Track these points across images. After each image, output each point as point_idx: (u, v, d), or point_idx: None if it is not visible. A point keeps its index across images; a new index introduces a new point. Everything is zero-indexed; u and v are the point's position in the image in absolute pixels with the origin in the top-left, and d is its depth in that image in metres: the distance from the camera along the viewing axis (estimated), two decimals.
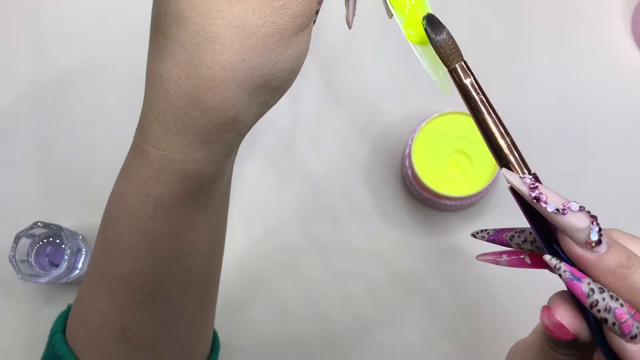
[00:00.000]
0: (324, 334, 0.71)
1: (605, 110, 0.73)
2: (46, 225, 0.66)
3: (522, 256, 0.37)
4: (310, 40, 0.40)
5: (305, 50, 0.40)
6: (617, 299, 0.31)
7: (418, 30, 0.39)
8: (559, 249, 0.33)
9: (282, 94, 0.41)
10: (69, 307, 0.52)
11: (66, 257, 0.66)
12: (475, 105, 0.36)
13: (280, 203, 0.74)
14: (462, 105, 0.63)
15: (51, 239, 0.69)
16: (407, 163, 0.68)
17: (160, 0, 0.38)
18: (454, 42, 0.37)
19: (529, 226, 0.36)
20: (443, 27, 0.38)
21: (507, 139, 0.35)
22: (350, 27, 0.43)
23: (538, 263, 0.35)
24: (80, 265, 0.69)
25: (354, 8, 0.43)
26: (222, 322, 0.68)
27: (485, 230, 0.39)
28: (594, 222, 0.32)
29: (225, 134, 0.40)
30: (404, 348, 0.70)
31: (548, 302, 0.34)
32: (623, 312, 0.31)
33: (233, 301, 0.71)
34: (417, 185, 0.68)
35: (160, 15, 0.38)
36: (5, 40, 0.78)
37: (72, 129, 0.76)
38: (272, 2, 0.37)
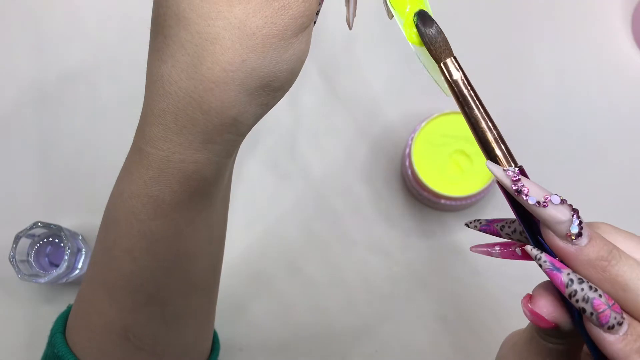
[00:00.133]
0: (324, 334, 0.71)
1: (605, 110, 0.73)
2: (46, 225, 0.66)
3: (513, 248, 0.37)
4: (310, 41, 0.40)
5: (306, 51, 0.40)
6: (595, 290, 0.32)
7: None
8: (543, 241, 0.34)
9: (283, 95, 0.41)
10: (69, 308, 0.52)
11: (66, 257, 0.66)
12: (464, 100, 0.37)
13: (280, 203, 0.74)
14: None
15: (51, 239, 0.69)
16: (407, 163, 0.68)
17: (161, 1, 0.38)
18: (443, 37, 0.38)
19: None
20: (433, 22, 0.38)
21: (495, 132, 0.36)
22: (350, 28, 0.43)
23: (527, 254, 0.35)
24: (80, 265, 0.69)
25: (355, 9, 0.43)
26: (222, 322, 0.68)
27: (478, 220, 0.39)
28: (575, 215, 0.32)
29: (226, 135, 0.40)
30: (404, 348, 0.70)
31: (532, 292, 0.35)
32: (601, 303, 0.31)
33: (233, 301, 0.71)
34: (417, 185, 0.68)
35: (161, 15, 0.38)
36: (5, 41, 0.78)
37: (72, 129, 0.76)
38: (272, 3, 0.37)
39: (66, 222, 0.72)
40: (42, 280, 0.66)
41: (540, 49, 0.74)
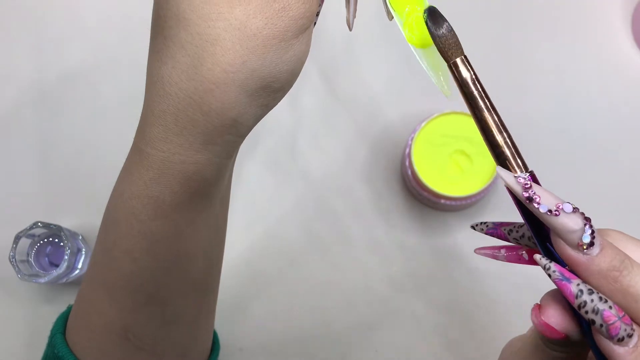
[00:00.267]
0: (324, 334, 0.71)
1: (605, 110, 0.73)
2: (46, 225, 0.66)
3: (520, 252, 0.37)
4: (310, 42, 0.40)
5: (306, 52, 0.40)
6: (605, 301, 0.31)
7: (418, 32, 0.39)
8: (552, 248, 0.33)
9: (283, 96, 0.41)
10: (69, 308, 0.52)
11: (66, 257, 0.66)
12: (474, 101, 0.36)
13: (280, 203, 0.74)
14: (462, 106, 0.63)
15: (51, 239, 0.69)
16: (407, 163, 0.68)
17: (161, 2, 0.38)
18: (454, 35, 0.37)
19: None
20: (444, 20, 0.37)
21: (505, 135, 0.35)
22: (350, 29, 0.43)
23: (534, 259, 0.35)
24: (80, 265, 0.69)
25: (355, 10, 0.43)
26: (222, 322, 0.68)
27: (485, 222, 0.39)
28: (587, 224, 0.32)
29: (226, 136, 0.40)
30: (404, 348, 0.70)
31: (540, 301, 0.34)
32: (611, 314, 0.31)
33: (233, 301, 0.71)
34: (417, 185, 0.68)
35: (161, 17, 0.38)
36: (6, 41, 0.78)
37: (72, 129, 0.76)
38: (272, 4, 0.37)
39: (66, 222, 0.72)
40: (42, 280, 0.66)
41: (540, 49, 0.74)
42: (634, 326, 0.31)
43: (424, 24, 0.37)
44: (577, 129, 0.73)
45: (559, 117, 0.73)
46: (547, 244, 0.34)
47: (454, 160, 0.67)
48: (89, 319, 0.48)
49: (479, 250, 0.39)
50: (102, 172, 0.69)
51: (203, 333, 0.54)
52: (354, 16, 0.43)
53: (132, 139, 0.43)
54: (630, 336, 0.31)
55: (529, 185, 0.33)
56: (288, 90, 0.41)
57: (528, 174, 0.34)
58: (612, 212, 0.70)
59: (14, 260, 0.65)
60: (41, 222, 0.66)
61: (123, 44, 0.76)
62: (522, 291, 0.68)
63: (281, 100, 0.42)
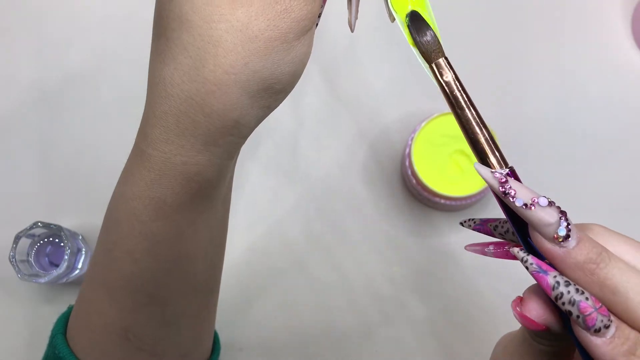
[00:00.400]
0: (325, 334, 0.71)
1: (605, 110, 0.73)
2: (46, 225, 0.66)
3: (506, 248, 0.37)
4: (312, 43, 0.40)
5: (308, 53, 0.40)
6: (582, 293, 0.31)
7: None
8: (532, 242, 0.34)
9: (285, 97, 0.41)
10: (70, 308, 0.52)
11: (66, 257, 0.66)
12: (456, 101, 0.36)
13: (281, 204, 0.74)
14: None
15: (51, 239, 0.69)
16: (407, 163, 0.68)
17: (163, 3, 0.38)
18: (435, 37, 0.37)
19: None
20: (426, 24, 0.38)
21: (486, 132, 0.36)
22: (352, 30, 0.43)
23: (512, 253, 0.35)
24: (80, 265, 0.69)
25: (357, 11, 0.43)
26: (223, 322, 0.68)
27: (472, 219, 0.39)
28: (563, 218, 0.32)
29: (228, 137, 0.40)
30: (404, 347, 0.71)
31: (522, 294, 0.35)
32: (587, 306, 0.31)
33: (234, 302, 0.71)
34: (417, 185, 0.68)
35: (163, 18, 0.38)
36: (7, 42, 0.78)
37: (73, 129, 0.76)
38: (275, 6, 0.37)
39: (66, 222, 0.72)
40: (42, 280, 0.66)
41: (540, 49, 0.74)
42: (612, 317, 0.31)
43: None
44: (577, 128, 0.73)
45: (559, 117, 0.73)
46: (528, 238, 0.34)
47: (454, 160, 0.67)
48: (89, 320, 0.48)
49: (469, 247, 0.39)
50: (102, 172, 0.69)
51: (204, 333, 0.54)
52: (356, 17, 0.43)
53: (133, 140, 0.43)
54: (607, 327, 0.31)
55: (504, 180, 0.33)
56: (290, 91, 0.41)
57: (507, 170, 0.34)
58: (612, 212, 0.70)
59: (14, 260, 0.65)
60: (41, 222, 0.66)
61: (124, 44, 0.76)
62: (522, 292, 0.68)
63: (284, 100, 0.42)
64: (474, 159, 0.66)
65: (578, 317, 0.31)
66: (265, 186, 0.74)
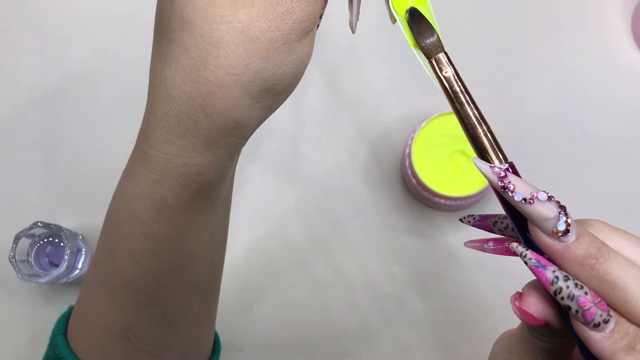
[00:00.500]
0: (325, 335, 0.71)
1: (605, 110, 0.73)
2: (46, 225, 0.66)
3: (506, 244, 0.37)
4: (313, 44, 0.40)
5: (309, 54, 0.40)
6: (581, 287, 0.31)
7: None
8: (532, 238, 0.34)
9: (286, 98, 0.41)
10: (70, 309, 0.52)
11: (66, 257, 0.66)
12: (455, 96, 0.36)
13: (281, 204, 0.74)
14: None
15: (51, 239, 0.69)
16: (407, 163, 0.68)
17: (165, 4, 0.38)
18: (434, 33, 0.37)
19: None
20: (425, 20, 0.38)
21: (485, 127, 0.36)
22: (354, 32, 0.43)
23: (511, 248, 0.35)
24: (80, 265, 0.69)
25: (358, 13, 0.43)
26: (224, 323, 0.68)
27: (472, 215, 0.39)
28: (562, 212, 0.32)
29: (229, 138, 0.40)
30: (404, 347, 0.71)
31: (522, 289, 0.35)
32: (586, 300, 0.31)
33: (234, 302, 0.71)
34: (417, 185, 0.68)
35: (165, 19, 0.38)
36: (7, 43, 0.78)
37: (73, 129, 0.76)
38: (276, 7, 0.37)
39: (66, 222, 0.72)
40: (42, 280, 0.66)
41: (540, 48, 0.74)
42: (611, 312, 0.31)
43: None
44: (576, 128, 0.73)
45: (559, 117, 0.73)
46: (528, 234, 0.34)
47: (454, 160, 0.68)
48: (90, 320, 0.48)
49: (468, 243, 0.39)
50: (102, 172, 0.69)
51: (204, 333, 0.54)
52: (357, 19, 0.43)
53: (133, 140, 0.43)
54: (606, 322, 0.31)
55: (503, 175, 0.33)
56: (291, 92, 0.41)
57: (507, 165, 0.35)
58: (612, 211, 0.70)
59: (14, 260, 0.65)
60: (41, 222, 0.66)
61: (124, 45, 0.76)
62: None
63: (285, 101, 0.42)
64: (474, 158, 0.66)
65: (577, 311, 0.31)
66: (265, 186, 0.74)
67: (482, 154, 0.35)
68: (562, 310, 0.33)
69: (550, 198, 0.32)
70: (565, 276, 0.32)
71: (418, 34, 0.38)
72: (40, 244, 0.69)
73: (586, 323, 0.31)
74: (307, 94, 0.75)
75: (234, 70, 0.37)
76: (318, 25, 0.40)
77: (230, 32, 0.36)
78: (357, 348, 0.71)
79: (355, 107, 0.74)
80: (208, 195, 0.43)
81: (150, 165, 0.41)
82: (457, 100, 0.36)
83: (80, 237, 0.70)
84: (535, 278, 0.34)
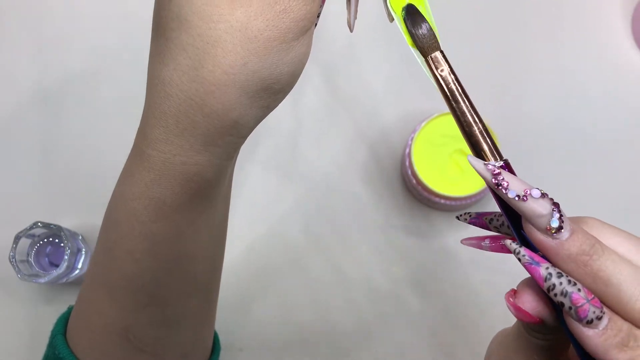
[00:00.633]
0: (324, 335, 0.71)
1: (605, 110, 0.73)
2: (46, 225, 0.66)
3: (502, 241, 0.37)
4: (311, 43, 0.40)
5: (307, 53, 0.40)
6: (574, 284, 0.31)
7: None
8: (526, 235, 0.34)
9: (284, 97, 0.41)
10: (70, 309, 0.52)
11: (66, 257, 0.66)
12: (451, 94, 0.37)
13: (281, 204, 0.74)
14: None
15: (51, 239, 0.69)
16: (407, 163, 0.68)
17: (162, 3, 0.38)
18: (431, 31, 0.37)
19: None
20: (422, 17, 0.38)
21: (480, 125, 0.36)
22: (351, 30, 0.43)
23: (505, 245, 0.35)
24: (80, 265, 0.69)
25: (356, 11, 0.43)
26: (223, 323, 0.68)
27: (468, 212, 0.40)
28: (555, 209, 0.32)
29: (227, 137, 0.40)
30: (404, 347, 0.71)
31: (516, 287, 0.35)
32: (580, 297, 0.31)
33: (234, 302, 0.71)
34: (417, 185, 0.68)
35: (162, 18, 0.38)
36: (6, 42, 0.78)
37: (73, 129, 0.76)
38: (274, 6, 0.37)
39: (66, 222, 0.72)
40: (42, 280, 0.66)
41: (540, 48, 0.74)
42: (604, 309, 0.31)
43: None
44: (576, 128, 0.73)
45: (559, 117, 0.73)
46: (522, 231, 0.34)
47: (454, 160, 0.67)
48: (89, 320, 0.48)
49: (465, 241, 0.39)
50: (102, 172, 0.69)
51: (204, 333, 0.54)
52: (355, 17, 0.43)
53: (133, 140, 0.43)
54: (599, 319, 0.31)
55: (497, 172, 0.33)
56: (289, 91, 0.41)
57: (501, 162, 0.35)
58: (612, 212, 0.70)
59: (14, 260, 0.65)
60: (41, 222, 0.66)
61: (124, 44, 0.76)
62: None
63: (283, 100, 0.42)
64: None
65: (570, 308, 0.31)
66: (265, 186, 0.74)
67: (477, 152, 0.36)
68: (556, 307, 0.33)
69: (543, 195, 0.33)
70: (558, 273, 0.32)
71: (414, 31, 0.38)
72: (40, 244, 0.69)
73: (579, 320, 0.31)
74: (306, 93, 0.75)
75: (231, 69, 0.37)
76: (316, 24, 0.40)
77: (228, 31, 0.36)
78: (356, 348, 0.71)
79: (354, 106, 0.74)
80: (206, 195, 0.43)
81: (149, 164, 0.41)
82: (453, 98, 0.37)
83: (80, 237, 0.70)
84: (528, 276, 0.34)
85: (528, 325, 0.36)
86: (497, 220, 0.38)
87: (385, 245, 0.72)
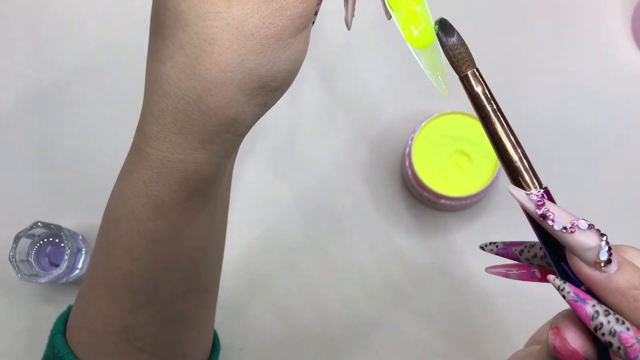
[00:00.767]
0: (324, 334, 0.71)
1: (605, 110, 0.73)
2: (46, 225, 0.66)
3: (532, 270, 0.36)
4: (309, 41, 0.40)
5: (304, 51, 0.40)
6: (623, 322, 0.30)
7: (417, 32, 0.39)
8: (567, 267, 0.32)
9: (281, 95, 0.41)
10: (69, 308, 0.52)
11: (66, 257, 0.66)
12: (487, 115, 0.35)
13: (280, 203, 0.74)
14: (462, 106, 0.63)
15: (51, 239, 0.69)
16: (407, 163, 0.68)
17: (160, 1, 0.38)
18: (466, 48, 0.36)
19: (538, 240, 0.35)
20: (455, 31, 0.37)
21: (520, 151, 0.35)
22: (349, 29, 0.43)
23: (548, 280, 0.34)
24: (80, 265, 0.69)
25: (353, 9, 0.43)
26: (222, 322, 0.68)
27: (494, 243, 0.38)
28: (604, 241, 0.31)
29: (225, 135, 0.40)
30: (404, 347, 0.70)
31: (557, 322, 0.33)
32: (629, 337, 0.30)
33: (233, 301, 0.71)
34: (417, 185, 0.68)
35: (160, 16, 0.38)
36: (5, 41, 0.78)
37: (72, 129, 0.76)
38: (270, 4, 0.37)
39: (66, 222, 0.72)
40: (42, 280, 0.66)
41: (540, 49, 0.74)
42: None
43: (432, 27, 0.37)
44: (576, 128, 0.73)
45: (559, 117, 0.73)
46: (562, 262, 0.33)
47: (454, 160, 0.67)
48: (89, 319, 0.48)
49: (490, 269, 0.38)
50: (102, 172, 0.69)
51: (203, 333, 0.54)
52: (353, 15, 0.43)
53: (132, 139, 0.43)
54: None
55: (542, 203, 0.32)
56: (286, 89, 0.41)
57: (542, 191, 0.34)
58: (612, 212, 0.70)
59: (14, 260, 0.65)
60: (41, 222, 0.66)
61: (123, 45, 0.76)
62: (521, 291, 0.68)
63: (281, 99, 0.42)
64: (474, 159, 0.66)
65: (619, 348, 0.30)
66: (264, 185, 0.74)
67: (515, 179, 0.34)
68: (599, 345, 0.32)
69: (590, 226, 0.31)
70: (605, 310, 0.31)
71: (449, 47, 0.36)
72: (40, 244, 0.69)
73: None
74: (305, 91, 0.75)
75: (228, 67, 0.37)
76: (313, 22, 0.40)
77: (225, 28, 0.36)
78: (356, 347, 0.71)
79: (354, 106, 0.74)
80: (205, 193, 0.43)
81: (147, 162, 0.41)
82: (489, 119, 0.35)
83: (80, 237, 0.70)
84: (564, 310, 0.33)
85: None
86: (529, 251, 0.37)
87: (385, 245, 0.72)
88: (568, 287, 0.32)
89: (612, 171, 0.72)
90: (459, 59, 0.36)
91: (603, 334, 0.30)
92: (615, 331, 0.30)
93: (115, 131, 0.74)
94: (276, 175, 0.74)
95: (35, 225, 0.66)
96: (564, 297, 0.32)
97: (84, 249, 0.69)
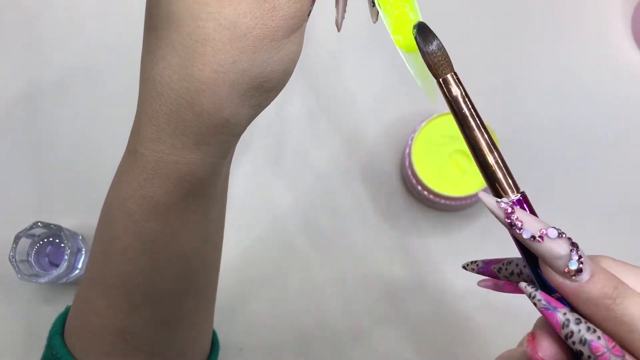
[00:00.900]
0: (324, 334, 0.71)
1: (605, 110, 0.73)
2: (46, 225, 0.67)
3: (516, 283, 0.36)
4: (303, 41, 0.40)
5: (298, 51, 0.40)
6: (594, 331, 0.30)
7: (405, 35, 0.39)
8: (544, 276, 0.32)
9: (276, 95, 0.41)
10: (68, 309, 0.52)
11: (66, 257, 0.66)
12: (464, 119, 0.35)
13: (280, 203, 0.74)
14: None
15: (51, 239, 0.69)
16: (407, 163, 0.68)
17: (153, 2, 0.38)
18: (443, 52, 0.36)
19: (516, 257, 0.35)
20: (434, 36, 0.37)
21: (496, 154, 0.34)
22: (339, 30, 0.43)
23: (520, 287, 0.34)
24: (80, 265, 0.69)
25: (344, 11, 0.43)
26: (222, 322, 0.68)
27: (475, 262, 0.39)
28: (574, 250, 0.31)
29: (219, 136, 0.40)
30: (404, 347, 0.70)
31: (534, 329, 0.33)
32: (599, 345, 0.30)
33: (232, 301, 0.71)
34: (417, 185, 0.68)
35: (153, 17, 0.38)
36: (4, 41, 0.78)
37: (72, 129, 0.76)
38: (263, 4, 0.37)
39: (66, 222, 0.72)
40: (42, 280, 0.66)
41: (540, 49, 0.74)
42: (627, 357, 0.30)
43: (411, 33, 0.37)
44: (576, 128, 0.72)
45: (558, 117, 0.73)
46: (538, 269, 0.33)
47: (454, 160, 0.67)
48: (87, 320, 0.48)
49: (482, 283, 0.39)
50: (101, 172, 0.68)
51: (202, 333, 0.54)
52: (343, 17, 0.43)
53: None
54: None
55: (510, 211, 0.32)
56: (281, 89, 0.41)
57: (516, 196, 0.33)
58: (611, 212, 0.70)
59: (14, 260, 0.65)
60: (41, 222, 0.66)
61: (122, 45, 0.76)
62: (521, 290, 0.68)
63: (280, 98, 0.42)
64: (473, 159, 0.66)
65: (589, 357, 0.30)
66: (262, 185, 0.74)
67: (492, 184, 0.34)
68: (575, 354, 0.32)
69: (560, 234, 0.31)
70: (577, 319, 0.30)
71: (425, 49, 0.36)
72: (40, 244, 0.69)
73: None
74: (304, 91, 0.74)
75: (221, 67, 0.37)
76: (306, 21, 0.40)
77: (217, 29, 0.36)
78: (355, 347, 0.71)
79: (353, 105, 0.74)
80: (200, 194, 0.43)
81: (142, 163, 0.41)
82: (466, 123, 0.35)
83: (80, 237, 0.71)
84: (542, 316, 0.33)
85: None
86: (506, 269, 0.37)
87: (385, 245, 0.72)
88: (539, 295, 0.32)
89: (612, 171, 0.72)
90: (435, 62, 0.36)
91: (574, 343, 0.30)
92: (585, 340, 0.30)
93: (115, 131, 0.73)
94: (275, 175, 0.74)
95: (35, 225, 0.66)
96: (535, 304, 0.32)
97: (83, 249, 0.70)
